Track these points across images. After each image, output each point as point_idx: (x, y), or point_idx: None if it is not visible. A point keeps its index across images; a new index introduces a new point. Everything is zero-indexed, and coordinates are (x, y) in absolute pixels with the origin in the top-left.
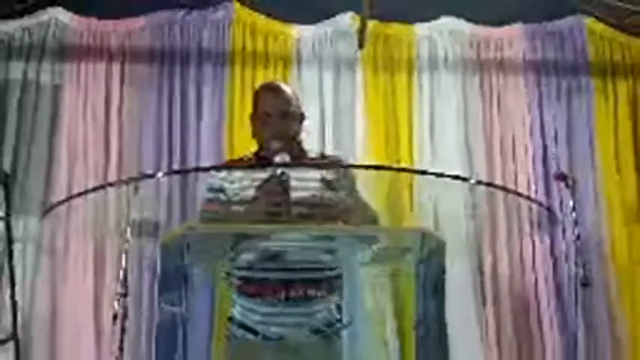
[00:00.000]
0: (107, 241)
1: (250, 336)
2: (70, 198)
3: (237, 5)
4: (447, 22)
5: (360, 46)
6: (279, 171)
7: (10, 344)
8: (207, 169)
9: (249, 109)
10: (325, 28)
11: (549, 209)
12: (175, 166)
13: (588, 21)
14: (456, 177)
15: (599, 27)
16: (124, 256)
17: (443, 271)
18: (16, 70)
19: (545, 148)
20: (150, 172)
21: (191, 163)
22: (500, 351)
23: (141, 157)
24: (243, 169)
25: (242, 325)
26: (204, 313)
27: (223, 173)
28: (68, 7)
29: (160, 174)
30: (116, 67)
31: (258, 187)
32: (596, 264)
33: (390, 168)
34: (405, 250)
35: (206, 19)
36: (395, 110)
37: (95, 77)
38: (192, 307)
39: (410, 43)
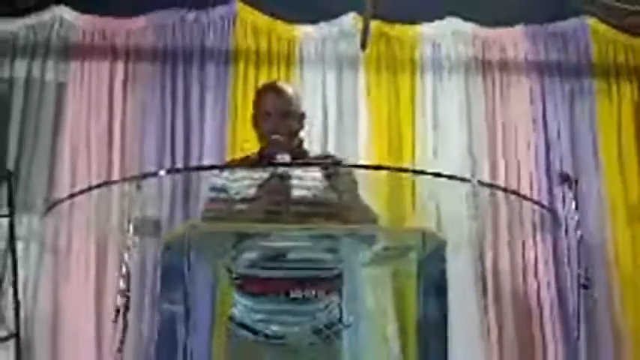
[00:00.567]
0: (109, 240)
1: (250, 335)
2: (72, 196)
3: (240, 5)
4: (450, 22)
5: (363, 47)
6: (280, 170)
7: (12, 341)
8: (209, 168)
9: (251, 108)
10: (328, 28)
11: (551, 211)
12: (178, 165)
13: (591, 22)
14: (458, 178)
15: (603, 28)
16: (126, 254)
17: (444, 271)
18: (21, 68)
19: (548, 149)
20: (153, 170)
21: (194, 162)
22: (502, 352)
23: (144, 156)
24: (245, 168)
25: (242, 325)
26: (206, 311)
27: (225, 172)
28: (72, 6)
29: (162, 172)
30: (120, 66)
31: (260, 186)
32: (599, 266)
33: (390, 168)
34: (406, 249)
35: (209, 18)
36: (398, 111)
37: (99, 76)
38: (194, 305)
39: (413, 44)
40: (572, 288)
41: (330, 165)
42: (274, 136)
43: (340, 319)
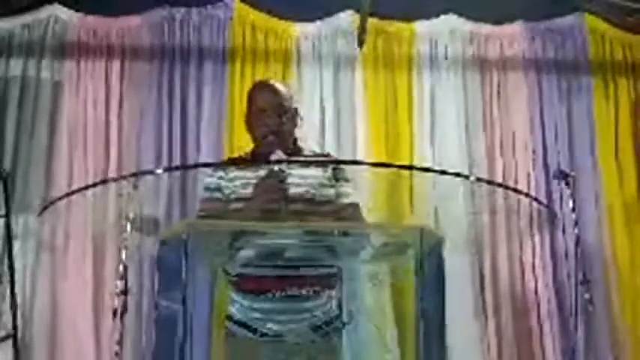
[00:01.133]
0: (107, 238)
1: (249, 333)
2: (68, 194)
3: (237, 2)
4: (447, 20)
5: (360, 45)
6: (276, 167)
7: (10, 341)
8: (205, 165)
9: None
10: (325, 26)
11: (548, 206)
12: (175, 164)
13: (589, 19)
14: (456, 174)
15: (600, 25)
16: (123, 252)
17: (442, 268)
18: (16, 67)
19: (545, 146)
20: (149, 169)
21: (191, 161)
22: (500, 351)
23: (141, 155)
24: (240, 167)
25: (240, 323)
26: (204, 309)
27: (220, 172)
28: (68, 5)
29: (159, 170)
30: (116, 65)
31: (256, 185)
32: (597, 263)
33: (388, 165)
34: (404, 246)
35: (206, 16)
36: (395, 109)
37: (95, 74)
38: (192, 303)
39: (410, 41)
40: (569, 285)
41: (326, 162)
42: (270, 138)
43: (338, 316)
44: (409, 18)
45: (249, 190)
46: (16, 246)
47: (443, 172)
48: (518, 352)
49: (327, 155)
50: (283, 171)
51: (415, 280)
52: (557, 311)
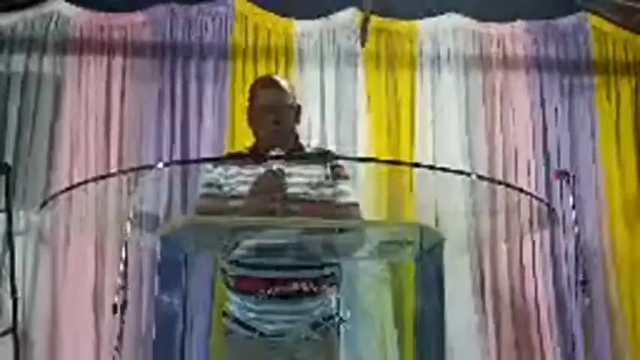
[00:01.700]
0: (107, 234)
1: (247, 332)
2: (69, 188)
3: (239, 0)
4: (449, 18)
5: (362, 43)
6: (275, 166)
7: (10, 336)
8: (205, 161)
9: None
10: (327, 23)
11: (548, 204)
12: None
13: (591, 18)
14: (457, 172)
15: (603, 24)
16: (123, 248)
17: (441, 266)
18: (18, 62)
19: (546, 145)
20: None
21: (192, 157)
22: (500, 350)
23: (142, 151)
24: (239, 163)
25: (238, 321)
26: (204, 305)
27: (219, 169)
28: (70, 0)
29: (160, 164)
30: (118, 61)
31: (254, 184)
32: (597, 262)
33: (389, 162)
34: (404, 244)
35: (208, 13)
36: (396, 107)
37: (97, 70)
38: (192, 299)
39: (412, 40)
40: (569, 284)
41: (327, 159)
42: (271, 135)
43: (336, 315)
44: (411, 16)
45: (246, 188)
46: (17, 241)
47: (444, 170)
48: (517, 351)
49: (328, 152)
50: (282, 171)
51: (415, 277)
52: (557, 310)
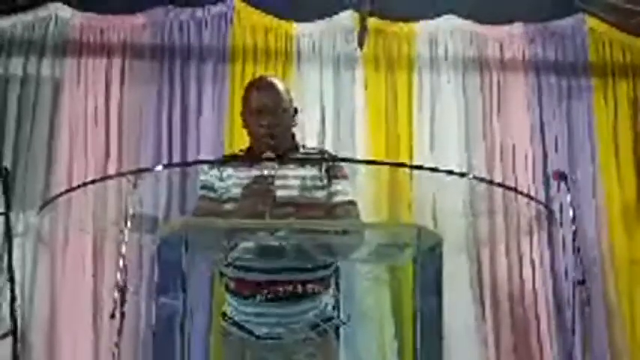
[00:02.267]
0: (106, 235)
1: (244, 334)
2: (68, 191)
3: (238, 2)
4: (448, 20)
5: (360, 45)
6: (265, 172)
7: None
8: (205, 162)
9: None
10: (326, 25)
11: (547, 206)
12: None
13: (589, 20)
14: (455, 173)
15: (601, 26)
16: (122, 249)
17: (440, 267)
18: (17, 65)
19: (544, 147)
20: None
21: (191, 159)
22: (499, 349)
23: (141, 153)
24: (234, 166)
25: (236, 324)
26: (204, 306)
27: (214, 171)
28: (69, 3)
29: (159, 167)
30: (116, 63)
31: (245, 187)
32: (595, 263)
33: (386, 163)
34: (402, 247)
35: (207, 15)
36: (395, 108)
37: (95, 73)
38: (191, 300)
39: (410, 42)
40: (567, 285)
41: (324, 160)
42: (265, 138)
43: (334, 317)
44: (409, 18)
45: (239, 191)
46: (16, 243)
47: (442, 171)
48: (516, 350)
49: (325, 152)
50: (272, 176)
51: (413, 279)
52: (555, 311)
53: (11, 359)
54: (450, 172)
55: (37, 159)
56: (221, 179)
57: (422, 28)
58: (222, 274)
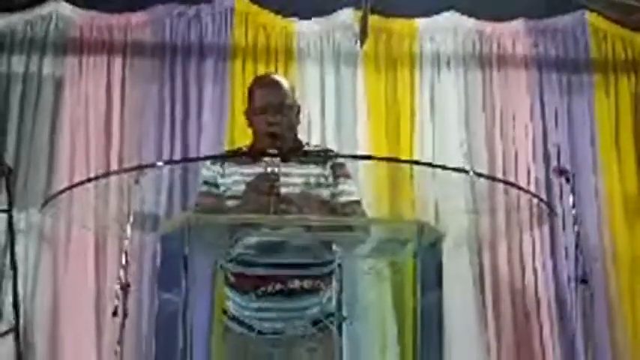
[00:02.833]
0: (108, 232)
1: (244, 330)
2: (69, 187)
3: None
4: (449, 17)
5: (361, 43)
6: (269, 169)
7: (12, 336)
8: (206, 158)
9: (245, 102)
10: (327, 22)
11: (548, 203)
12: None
13: (591, 17)
14: (455, 169)
15: (602, 23)
16: (125, 245)
17: (440, 263)
18: (18, 63)
19: (546, 143)
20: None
21: (192, 157)
22: (500, 348)
23: (142, 151)
24: (237, 163)
25: (237, 320)
26: (205, 303)
27: (216, 166)
28: (70, 1)
29: (160, 162)
30: (118, 61)
31: (248, 184)
32: (597, 260)
33: (387, 159)
34: (404, 243)
35: (207, 13)
36: (396, 105)
37: (97, 71)
38: (192, 296)
39: (412, 39)
40: (569, 282)
41: (326, 157)
42: (269, 137)
43: (335, 313)
44: (411, 15)
45: (242, 188)
46: (19, 241)
47: (443, 168)
48: (517, 349)
49: (329, 151)
50: (275, 173)
51: (414, 274)
52: (557, 308)
53: (14, 356)
54: (455, 170)
55: (39, 157)
56: (223, 175)
57: (423, 24)
58: (223, 269)
